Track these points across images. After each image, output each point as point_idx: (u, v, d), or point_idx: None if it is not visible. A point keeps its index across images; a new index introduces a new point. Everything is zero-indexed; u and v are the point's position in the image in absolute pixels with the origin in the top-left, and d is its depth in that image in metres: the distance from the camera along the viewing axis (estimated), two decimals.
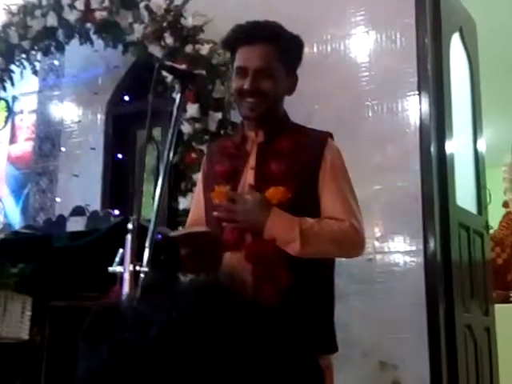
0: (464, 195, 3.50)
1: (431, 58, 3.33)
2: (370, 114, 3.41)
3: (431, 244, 3.14)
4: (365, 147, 3.35)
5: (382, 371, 3.15)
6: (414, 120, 3.30)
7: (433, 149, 3.23)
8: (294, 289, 1.87)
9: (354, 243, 1.97)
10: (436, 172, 3.23)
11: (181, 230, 1.90)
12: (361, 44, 3.52)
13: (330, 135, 2.08)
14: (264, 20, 2.03)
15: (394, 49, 3.42)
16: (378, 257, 3.29)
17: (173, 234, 2.09)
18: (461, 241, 3.36)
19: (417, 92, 3.30)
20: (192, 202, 2.38)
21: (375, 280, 3.27)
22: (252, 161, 2.01)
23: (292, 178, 1.94)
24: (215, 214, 1.93)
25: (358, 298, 3.23)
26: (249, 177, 2.00)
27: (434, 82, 3.33)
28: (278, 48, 1.99)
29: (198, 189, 2.22)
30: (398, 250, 3.25)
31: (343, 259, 3.26)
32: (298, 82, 2.09)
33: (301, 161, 1.97)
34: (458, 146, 3.54)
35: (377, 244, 3.30)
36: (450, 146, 3.33)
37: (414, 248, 3.20)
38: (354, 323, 3.18)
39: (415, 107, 3.30)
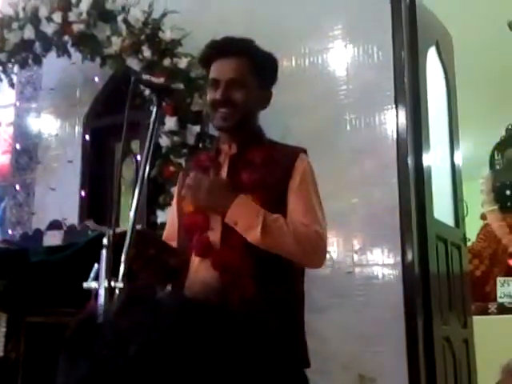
0: (441, 208, 3.53)
1: (408, 71, 3.36)
2: (348, 128, 3.43)
3: (409, 257, 3.15)
4: (343, 160, 3.37)
5: None
6: (391, 133, 3.32)
7: (410, 162, 3.25)
8: (260, 299, 1.88)
9: (316, 248, 1.97)
10: (413, 185, 3.25)
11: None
12: (338, 58, 3.55)
13: (304, 150, 2.10)
14: (238, 36, 2.08)
15: (371, 63, 3.44)
16: (357, 270, 3.30)
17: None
18: (438, 253, 3.38)
19: (394, 105, 3.32)
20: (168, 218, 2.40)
21: (354, 293, 3.27)
22: (223, 172, 2.06)
23: (261, 187, 1.97)
24: (183, 193, 2.00)
25: (338, 311, 3.24)
26: None
27: (411, 96, 3.36)
28: (250, 61, 2.04)
29: (173, 204, 2.24)
30: (377, 262, 3.26)
31: (326, 272, 3.28)
32: (272, 98, 2.12)
33: (271, 172, 2.01)
34: (435, 158, 3.57)
35: (355, 257, 3.31)
36: (426, 159, 3.36)
37: (392, 261, 3.21)
38: (334, 336, 3.18)
39: (392, 120, 3.32)
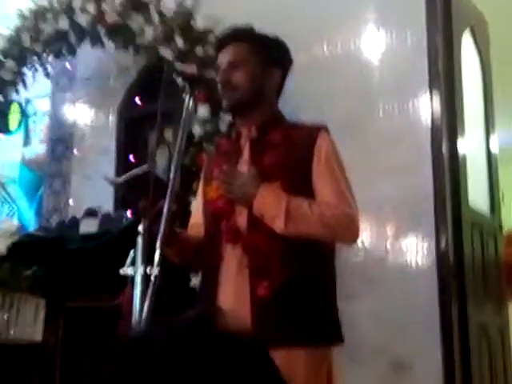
0: (477, 195, 3.48)
1: (442, 57, 3.31)
2: (381, 114, 3.40)
3: (444, 244, 3.12)
4: (376, 147, 3.35)
5: (394, 371, 3.14)
6: (426, 119, 3.28)
7: (444, 148, 3.22)
8: (291, 280, 1.91)
9: (346, 228, 1.98)
10: (448, 172, 3.21)
11: (123, 176, 2.05)
12: (371, 43, 3.51)
13: (325, 128, 2.09)
14: (239, 25, 2.15)
15: (404, 48, 3.40)
16: (390, 257, 3.28)
17: (117, 180, 2.17)
18: (474, 241, 3.34)
19: (428, 91, 3.28)
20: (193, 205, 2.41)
21: (388, 280, 3.26)
22: (246, 155, 2.07)
23: (284, 170, 1.98)
24: (214, 183, 2.02)
25: (371, 298, 3.23)
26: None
27: (446, 81, 3.31)
28: (249, 43, 2.11)
29: (199, 191, 2.26)
30: (411, 250, 3.23)
31: (359, 259, 3.27)
32: (285, 82, 2.16)
33: (294, 153, 2.01)
34: (471, 145, 3.52)
35: (389, 245, 3.29)
36: (461, 146, 3.31)
37: (426, 248, 3.18)
38: (367, 323, 3.18)
39: (426, 106, 3.28)
